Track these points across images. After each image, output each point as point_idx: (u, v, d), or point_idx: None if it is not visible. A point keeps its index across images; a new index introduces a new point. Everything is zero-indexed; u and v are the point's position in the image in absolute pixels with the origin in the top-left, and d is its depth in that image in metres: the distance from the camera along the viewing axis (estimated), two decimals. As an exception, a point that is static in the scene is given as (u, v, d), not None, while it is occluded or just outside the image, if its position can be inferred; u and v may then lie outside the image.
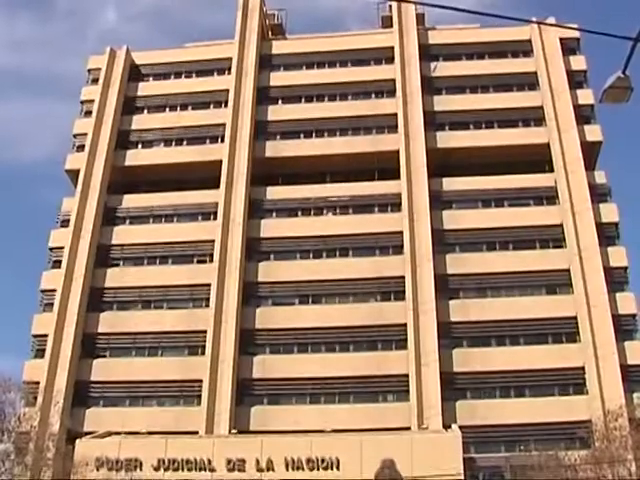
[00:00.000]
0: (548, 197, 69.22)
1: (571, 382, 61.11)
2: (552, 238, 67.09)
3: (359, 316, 64.79)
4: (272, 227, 70.83)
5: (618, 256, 65.47)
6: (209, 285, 66.83)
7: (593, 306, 62.12)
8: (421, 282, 64.69)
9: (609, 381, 58.73)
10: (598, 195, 68.43)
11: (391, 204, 70.11)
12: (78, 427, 61.06)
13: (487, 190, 69.68)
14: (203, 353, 64.28)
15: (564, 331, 63.03)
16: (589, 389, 59.75)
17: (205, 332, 64.81)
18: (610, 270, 64.32)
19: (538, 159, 69.79)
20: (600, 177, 70.03)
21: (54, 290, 68.00)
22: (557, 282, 65.28)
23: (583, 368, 60.77)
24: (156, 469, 52.14)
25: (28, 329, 67.74)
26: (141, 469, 51.99)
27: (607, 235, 66.49)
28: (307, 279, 67.16)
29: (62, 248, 69.94)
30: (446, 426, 57.39)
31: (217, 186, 71.25)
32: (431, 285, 64.10)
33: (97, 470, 49.71)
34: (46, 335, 65.86)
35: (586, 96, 72.91)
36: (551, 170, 69.73)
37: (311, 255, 69.06)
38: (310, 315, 65.67)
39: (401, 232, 67.21)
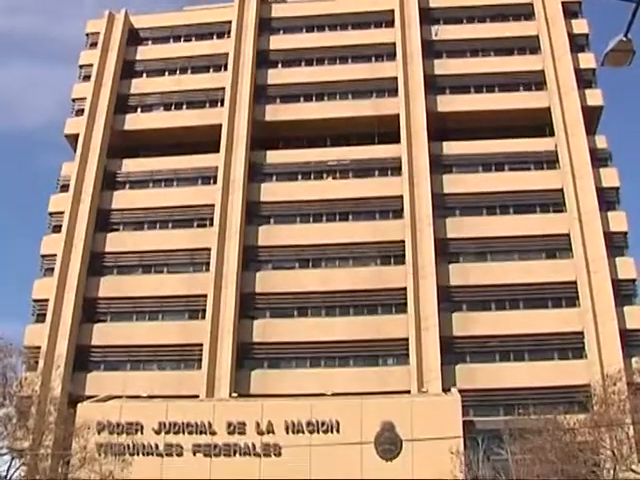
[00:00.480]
0: (548, 161, 69.10)
1: (570, 346, 61.34)
2: (552, 202, 67.02)
3: (359, 280, 64.95)
4: (272, 191, 70.75)
5: (618, 221, 65.46)
6: (209, 249, 66.93)
7: (593, 271, 62.25)
8: (421, 246, 64.78)
9: (608, 345, 58.99)
10: (598, 160, 68.25)
11: (391, 168, 70.01)
12: (79, 391, 61.52)
13: (487, 154, 69.59)
14: (203, 317, 64.49)
15: (564, 295, 63.22)
16: (588, 353, 60.03)
17: (205, 296, 65.00)
18: (610, 235, 64.35)
19: (539, 123, 69.62)
20: (601, 142, 69.80)
21: (54, 255, 68.06)
22: (557, 246, 65.35)
23: (582, 332, 61.03)
24: (157, 432, 52.51)
25: (29, 294, 68.04)
26: (142, 432, 52.37)
27: (607, 200, 66.43)
28: (307, 243, 67.23)
29: (62, 213, 69.94)
30: (446, 390, 57.84)
31: (217, 150, 71.13)
32: (431, 249, 64.20)
33: (98, 434, 50.04)
34: (47, 300, 66.10)
35: (587, 60, 72.49)
36: (552, 134, 69.55)
37: (311, 219, 69.06)
38: (310, 279, 65.83)
39: (401, 196, 67.20)
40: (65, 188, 71.70)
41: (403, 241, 65.31)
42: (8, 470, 43.24)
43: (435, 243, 64.49)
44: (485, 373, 60.39)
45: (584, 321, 60.95)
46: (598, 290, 61.44)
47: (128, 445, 51.07)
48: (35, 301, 67.63)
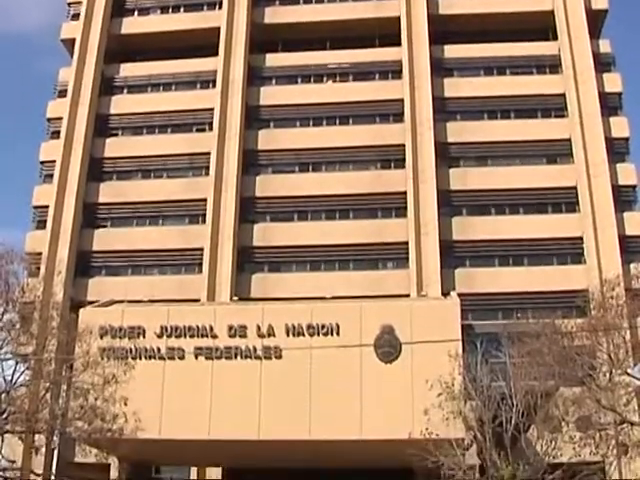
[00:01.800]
0: (551, 65, 68.35)
1: (569, 252, 61.69)
2: (554, 107, 66.55)
3: (359, 184, 64.90)
4: (272, 94, 70.24)
5: (620, 126, 65.15)
6: (209, 154, 66.71)
7: (593, 176, 62.21)
8: (421, 150, 64.57)
9: (607, 251, 59.34)
10: (602, 64, 67.51)
11: (392, 71, 69.37)
12: (81, 296, 62.08)
13: (489, 58, 68.78)
14: (204, 221, 64.66)
15: (564, 201, 63.28)
16: (587, 259, 60.42)
17: (205, 200, 65.04)
18: (611, 140, 64.13)
19: (542, 26, 68.58)
20: (604, 46, 68.92)
21: (53, 161, 67.81)
22: (558, 151, 65.14)
23: (582, 238, 61.30)
24: (159, 336, 52.73)
25: (29, 201, 68.09)
26: (144, 336, 52.61)
27: (609, 105, 65.96)
28: (307, 147, 67.06)
29: (60, 119, 69.36)
30: (445, 293, 58.22)
31: (215, 53, 70.28)
32: (431, 153, 64.03)
33: (101, 338, 50.29)
34: (47, 206, 66.09)
35: (592, -39, 71.07)
36: (555, 38, 68.65)
37: (311, 123, 68.73)
38: (310, 183, 65.81)
39: (402, 100, 66.73)
40: (63, 94, 70.99)
41: (403, 145, 65.06)
42: (13, 375, 43.71)
43: (435, 147, 64.27)
44: (484, 277, 60.84)
45: (584, 226, 61.15)
46: (598, 196, 61.49)
47: (130, 349, 51.32)
48: (35, 208, 67.69)
